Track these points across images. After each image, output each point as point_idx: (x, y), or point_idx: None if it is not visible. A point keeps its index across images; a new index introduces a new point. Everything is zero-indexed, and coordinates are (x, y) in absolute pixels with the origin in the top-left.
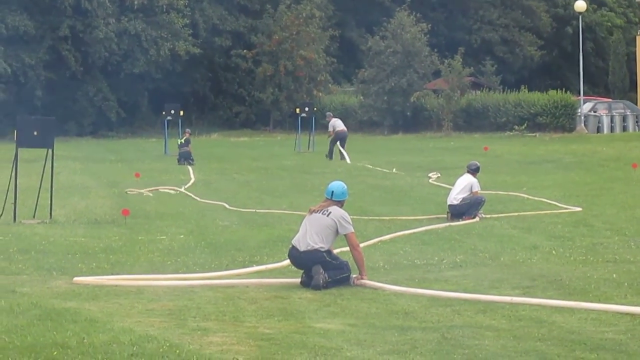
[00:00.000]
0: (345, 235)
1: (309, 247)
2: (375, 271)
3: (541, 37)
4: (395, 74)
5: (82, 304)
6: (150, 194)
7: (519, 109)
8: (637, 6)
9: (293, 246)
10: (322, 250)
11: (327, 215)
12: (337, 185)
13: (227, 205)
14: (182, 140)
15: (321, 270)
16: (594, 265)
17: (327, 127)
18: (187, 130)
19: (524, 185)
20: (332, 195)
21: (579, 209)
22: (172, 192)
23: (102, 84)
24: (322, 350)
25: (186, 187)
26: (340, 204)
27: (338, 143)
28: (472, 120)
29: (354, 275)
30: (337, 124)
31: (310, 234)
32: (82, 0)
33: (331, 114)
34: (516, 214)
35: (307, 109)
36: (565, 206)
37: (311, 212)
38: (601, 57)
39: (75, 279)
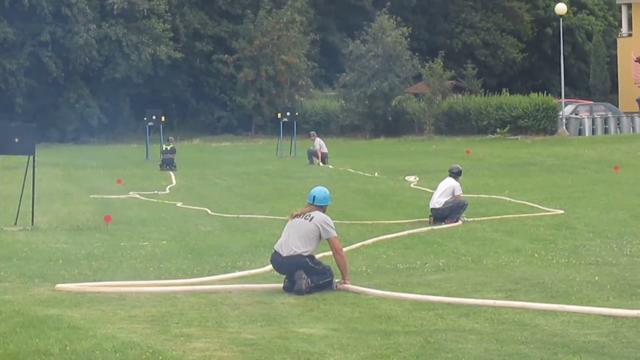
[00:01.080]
0: (328, 239)
1: (291, 253)
2: (357, 275)
3: (522, 40)
4: (377, 78)
5: (64, 310)
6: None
7: (501, 112)
8: (618, 9)
9: (275, 251)
10: (305, 255)
11: (310, 220)
12: (319, 190)
13: (209, 211)
14: (168, 147)
15: (304, 275)
16: (576, 267)
17: (308, 132)
18: (171, 138)
19: (506, 188)
20: (314, 200)
21: (561, 211)
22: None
23: (84, 90)
24: (305, 355)
25: (160, 192)
26: (322, 209)
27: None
28: (454, 124)
29: (337, 280)
30: (322, 145)
31: (293, 239)
32: (62, 6)
33: (314, 133)
34: (498, 217)
35: (288, 113)
36: (547, 209)
37: (293, 216)
38: (582, 59)
39: (57, 285)
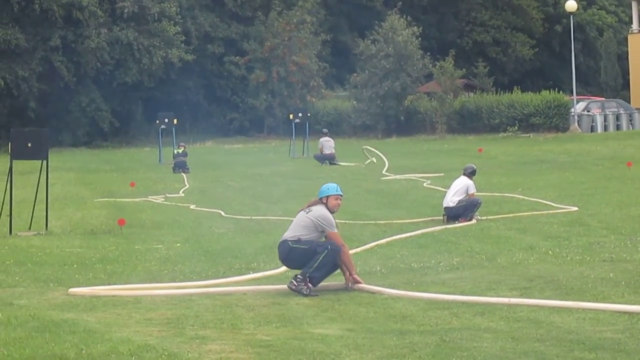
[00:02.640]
0: (325, 234)
1: (280, 241)
2: (372, 275)
3: (533, 37)
4: (388, 78)
5: (79, 314)
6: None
7: (513, 110)
8: (628, 5)
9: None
10: (289, 239)
11: (307, 214)
12: (326, 184)
13: (222, 213)
14: (180, 151)
15: (294, 283)
16: (590, 264)
17: (319, 132)
18: (182, 143)
19: (519, 186)
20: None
21: (575, 208)
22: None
23: (95, 94)
24: (321, 356)
25: (170, 195)
26: (324, 202)
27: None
28: (466, 122)
29: (349, 276)
30: (325, 145)
31: (288, 231)
32: (73, 10)
33: (325, 131)
34: (512, 215)
35: (300, 114)
36: (561, 206)
37: (300, 211)
38: (592, 56)
39: (71, 290)
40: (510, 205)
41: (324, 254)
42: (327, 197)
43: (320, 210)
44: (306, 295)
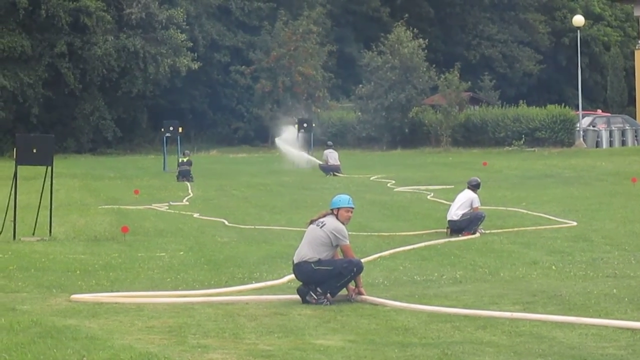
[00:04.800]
0: (340, 247)
1: (299, 260)
2: (375, 287)
3: (539, 52)
4: (394, 90)
5: (82, 321)
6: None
7: (518, 124)
8: (635, 20)
9: (293, 260)
10: (311, 261)
11: (321, 227)
12: (337, 195)
13: (226, 222)
14: (185, 159)
15: (314, 297)
16: (594, 280)
17: (325, 143)
18: (187, 152)
19: (523, 200)
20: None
21: (574, 223)
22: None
23: (99, 102)
24: None
25: (173, 203)
26: (335, 213)
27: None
28: (471, 136)
29: (352, 287)
30: (329, 156)
31: (303, 246)
32: (80, 16)
33: (330, 144)
34: (516, 229)
35: (305, 125)
36: (561, 220)
37: (310, 222)
38: (599, 71)
39: (73, 296)
40: (514, 220)
41: (349, 276)
42: (338, 209)
43: (333, 222)
44: (327, 306)
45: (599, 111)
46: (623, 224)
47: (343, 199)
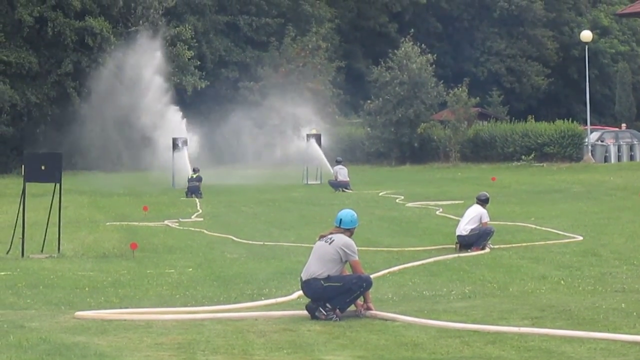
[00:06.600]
0: (349, 263)
1: (308, 277)
2: (384, 303)
3: (547, 66)
4: (402, 105)
5: (90, 338)
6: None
7: (527, 139)
8: None
9: (301, 277)
10: (320, 277)
11: (330, 244)
12: (346, 213)
13: (234, 238)
14: (194, 176)
15: (323, 313)
16: (602, 295)
17: (334, 159)
18: (196, 168)
19: (532, 215)
20: (340, 223)
21: (580, 237)
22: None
23: (107, 121)
24: None
25: (194, 217)
26: (348, 232)
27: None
28: (480, 151)
29: (360, 303)
30: (339, 172)
31: (312, 263)
32: (85, 35)
33: (339, 159)
34: (525, 244)
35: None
36: (567, 234)
37: (320, 238)
38: (606, 85)
39: (77, 313)
40: (523, 235)
41: (358, 292)
42: (351, 230)
43: (342, 238)
44: (336, 321)
45: (624, 126)
46: (632, 238)
47: (353, 219)
